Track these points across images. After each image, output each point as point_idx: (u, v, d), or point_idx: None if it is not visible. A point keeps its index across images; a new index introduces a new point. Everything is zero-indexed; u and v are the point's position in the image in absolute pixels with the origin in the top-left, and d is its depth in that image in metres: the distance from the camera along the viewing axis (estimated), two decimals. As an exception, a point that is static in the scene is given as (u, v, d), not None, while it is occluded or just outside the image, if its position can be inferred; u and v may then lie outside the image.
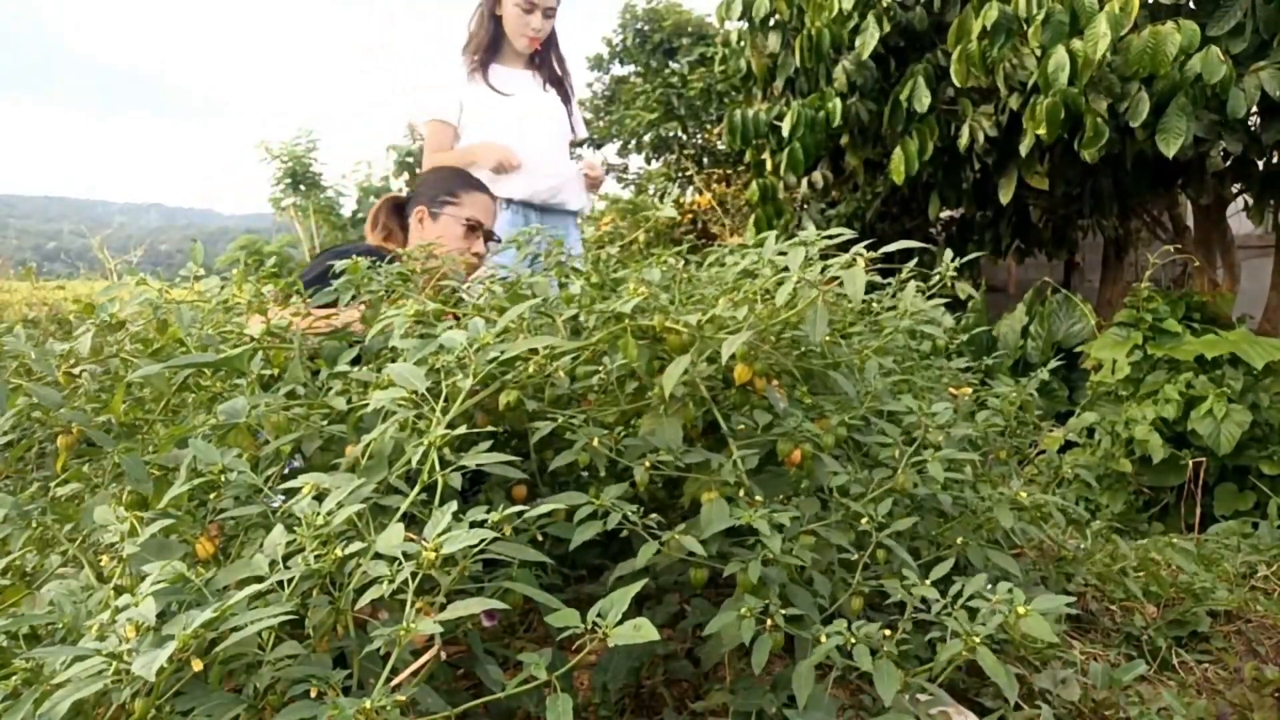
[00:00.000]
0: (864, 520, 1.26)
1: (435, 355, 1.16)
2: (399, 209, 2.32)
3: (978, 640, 1.05)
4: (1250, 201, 4.74)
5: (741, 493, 1.20)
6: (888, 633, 1.09)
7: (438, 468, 0.97)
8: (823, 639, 1.07)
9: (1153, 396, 3.87)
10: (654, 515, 1.14)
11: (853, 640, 1.06)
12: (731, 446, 1.22)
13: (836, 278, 1.18)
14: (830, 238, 1.31)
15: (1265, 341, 3.94)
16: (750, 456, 1.23)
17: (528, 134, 2.97)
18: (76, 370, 1.31)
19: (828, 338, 1.41)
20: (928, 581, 1.17)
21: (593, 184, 3.13)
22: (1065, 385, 4.81)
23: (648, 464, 1.19)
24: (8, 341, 1.29)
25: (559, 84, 3.11)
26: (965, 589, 1.12)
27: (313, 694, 0.83)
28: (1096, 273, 6.22)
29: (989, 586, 1.11)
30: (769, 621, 1.07)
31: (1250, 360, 3.78)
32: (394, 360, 1.20)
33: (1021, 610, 1.05)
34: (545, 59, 3.10)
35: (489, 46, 3.02)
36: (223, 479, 1.03)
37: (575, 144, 3.29)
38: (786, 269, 1.21)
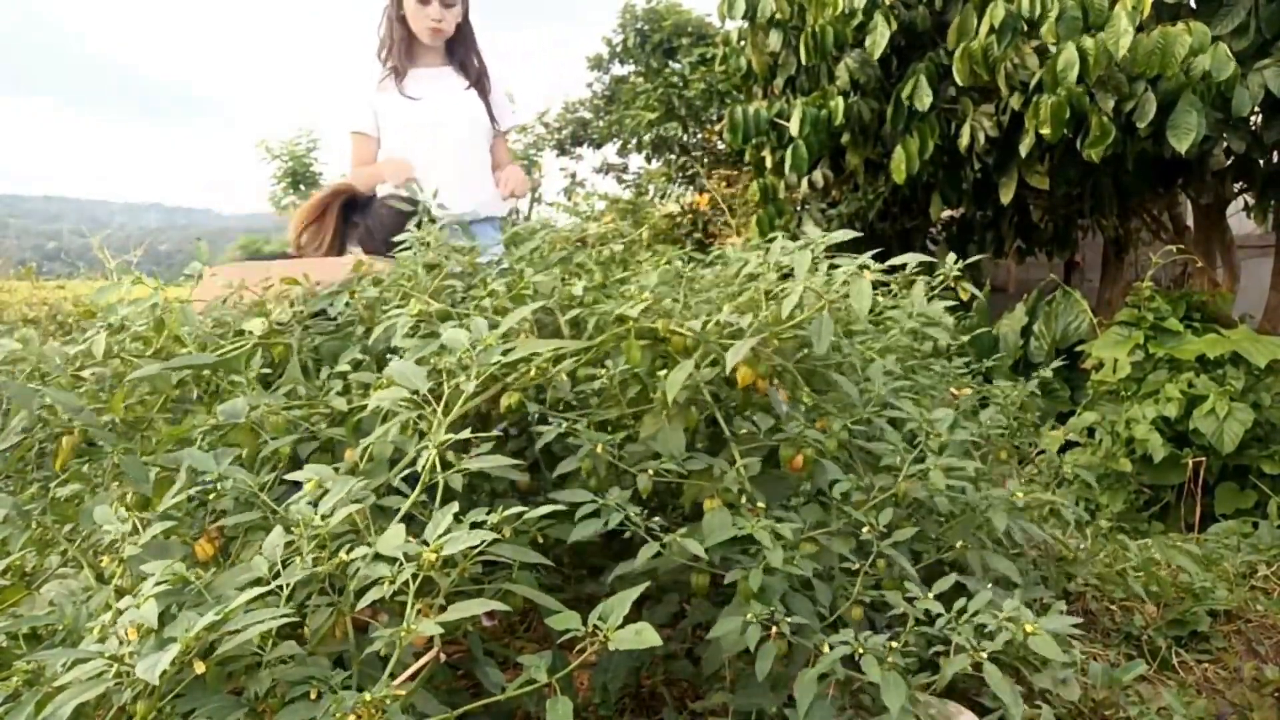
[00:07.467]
0: (865, 529, 1.26)
1: (437, 355, 1.15)
2: (349, 206, 2.16)
3: (985, 656, 1.05)
4: (1251, 201, 4.74)
5: (744, 499, 1.19)
6: (894, 645, 1.09)
7: (439, 470, 0.97)
8: (825, 648, 1.07)
9: (1154, 396, 3.86)
10: (655, 518, 1.14)
11: (861, 650, 1.05)
12: (735, 454, 1.20)
13: (844, 283, 1.18)
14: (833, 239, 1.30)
15: (1267, 340, 3.94)
16: (753, 463, 1.22)
17: (441, 142, 2.87)
18: (85, 373, 1.31)
19: (832, 338, 1.40)
20: (930, 595, 1.17)
21: (514, 195, 2.95)
22: (1066, 385, 4.80)
23: (651, 472, 1.18)
24: (20, 345, 1.30)
25: (478, 80, 2.99)
26: (970, 605, 1.12)
27: (312, 695, 0.83)
28: (1096, 273, 6.21)
29: (992, 597, 1.11)
30: (774, 629, 1.07)
31: (1252, 359, 3.78)
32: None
33: (1030, 628, 1.05)
34: (461, 53, 2.98)
35: (403, 49, 2.91)
36: (219, 487, 1.03)
37: (505, 133, 3.11)
38: (790, 273, 1.20)
